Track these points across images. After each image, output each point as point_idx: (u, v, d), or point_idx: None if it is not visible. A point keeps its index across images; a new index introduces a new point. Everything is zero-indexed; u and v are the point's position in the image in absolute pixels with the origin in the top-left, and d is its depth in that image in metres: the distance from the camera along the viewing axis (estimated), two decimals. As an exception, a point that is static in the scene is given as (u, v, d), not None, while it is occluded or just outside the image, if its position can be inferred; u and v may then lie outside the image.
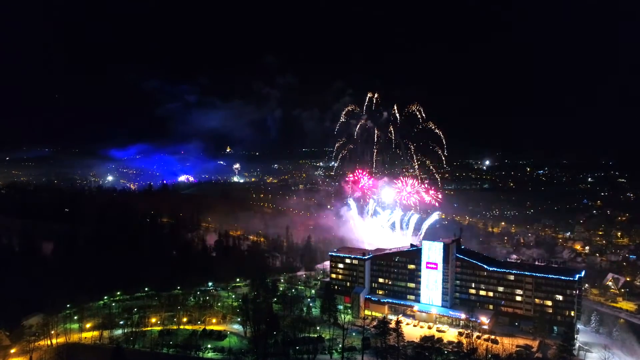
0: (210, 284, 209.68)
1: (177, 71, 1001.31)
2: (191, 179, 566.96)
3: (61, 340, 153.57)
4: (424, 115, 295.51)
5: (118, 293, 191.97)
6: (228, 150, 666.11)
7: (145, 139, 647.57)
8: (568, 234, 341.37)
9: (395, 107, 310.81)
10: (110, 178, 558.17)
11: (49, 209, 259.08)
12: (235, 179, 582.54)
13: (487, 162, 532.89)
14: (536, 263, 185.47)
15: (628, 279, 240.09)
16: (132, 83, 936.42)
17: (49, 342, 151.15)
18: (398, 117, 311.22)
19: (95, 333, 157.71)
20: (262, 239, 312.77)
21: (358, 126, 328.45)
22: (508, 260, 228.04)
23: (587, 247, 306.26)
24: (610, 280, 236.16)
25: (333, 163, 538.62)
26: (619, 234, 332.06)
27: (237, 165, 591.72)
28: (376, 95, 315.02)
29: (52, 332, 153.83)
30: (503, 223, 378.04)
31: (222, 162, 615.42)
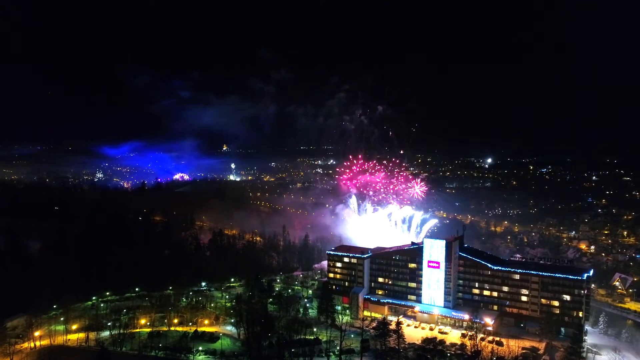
0: (203, 284, 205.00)
1: (171, 67, 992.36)
2: (186, 177, 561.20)
3: (45, 342, 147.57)
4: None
5: (107, 293, 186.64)
6: (224, 148, 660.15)
7: (139, 137, 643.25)
8: (573, 233, 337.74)
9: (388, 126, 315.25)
10: (102, 176, 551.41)
11: (38, 208, 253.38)
12: (232, 177, 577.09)
13: (489, 160, 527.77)
14: (541, 262, 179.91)
15: (635, 279, 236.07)
16: (125, 79, 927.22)
17: (32, 345, 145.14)
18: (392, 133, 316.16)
19: (81, 335, 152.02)
20: (258, 238, 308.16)
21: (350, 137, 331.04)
22: (512, 259, 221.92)
23: (592, 247, 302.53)
24: (617, 281, 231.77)
25: (331, 161, 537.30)
26: (625, 233, 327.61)
27: (233, 164, 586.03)
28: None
29: (36, 334, 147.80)
30: (506, 222, 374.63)
31: (217, 160, 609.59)
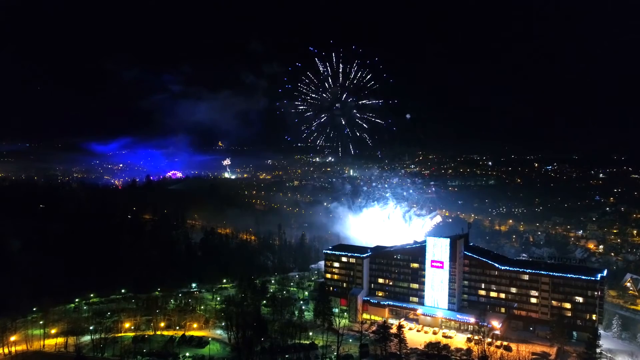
0: (194, 285, 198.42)
1: (161, 60, 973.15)
2: (178, 174, 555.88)
3: (21, 347, 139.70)
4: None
5: (91, 295, 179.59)
6: (220, 145, 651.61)
7: (130, 133, 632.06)
8: (580, 232, 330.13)
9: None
10: (92, 174, 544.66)
11: (21, 205, 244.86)
12: (226, 174, 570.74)
13: (493, 158, 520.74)
14: (550, 262, 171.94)
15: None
16: (114, 73, 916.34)
17: (6, 351, 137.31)
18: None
19: (60, 340, 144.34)
20: (252, 238, 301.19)
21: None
22: (519, 259, 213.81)
23: (601, 246, 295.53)
24: (628, 282, 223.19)
25: (330, 159, 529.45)
26: (635, 232, 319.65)
27: (227, 161, 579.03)
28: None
29: (12, 338, 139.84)
30: (511, 221, 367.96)
31: (211, 157, 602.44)
